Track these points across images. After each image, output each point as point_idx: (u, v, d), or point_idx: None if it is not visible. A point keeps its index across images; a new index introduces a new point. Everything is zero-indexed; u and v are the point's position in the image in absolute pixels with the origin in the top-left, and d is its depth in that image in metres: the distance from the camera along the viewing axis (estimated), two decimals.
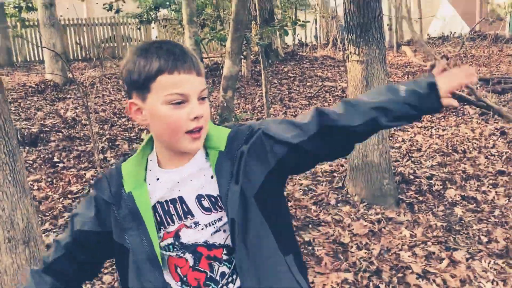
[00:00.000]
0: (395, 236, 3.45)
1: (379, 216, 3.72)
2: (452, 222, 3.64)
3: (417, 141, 5.70)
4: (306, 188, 4.29)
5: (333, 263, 3.12)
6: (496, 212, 3.76)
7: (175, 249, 1.19)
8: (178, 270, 1.20)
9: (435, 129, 6.19)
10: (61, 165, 4.78)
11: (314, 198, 4.10)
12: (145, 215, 1.16)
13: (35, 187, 4.29)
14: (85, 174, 4.57)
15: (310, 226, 3.65)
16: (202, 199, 1.17)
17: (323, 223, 3.69)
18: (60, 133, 5.55)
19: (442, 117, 6.80)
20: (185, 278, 1.19)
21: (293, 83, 9.15)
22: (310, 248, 3.32)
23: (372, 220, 3.67)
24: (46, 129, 5.66)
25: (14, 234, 2.53)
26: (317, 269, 3.06)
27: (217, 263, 1.18)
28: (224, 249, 1.18)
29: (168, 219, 1.18)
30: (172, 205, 1.18)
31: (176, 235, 1.18)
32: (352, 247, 3.31)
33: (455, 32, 16.99)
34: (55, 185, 4.35)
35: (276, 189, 1.21)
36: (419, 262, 3.11)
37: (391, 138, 5.63)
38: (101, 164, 4.38)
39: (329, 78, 9.58)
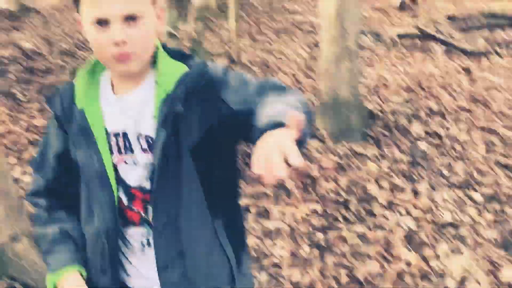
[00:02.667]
0: (362, 169, 3.56)
1: (347, 150, 3.81)
2: (416, 156, 3.78)
3: (384, 77, 5.76)
4: None
5: (302, 195, 3.22)
6: (458, 147, 3.91)
7: (118, 186, 1.12)
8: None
9: (402, 66, 6.26)
10: (22, 98, 4.61)
11: None
12: (97, 133, 1.10)
13: None
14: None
15: None
16: (141, 138, 1.10)
17: None
18: (19, 65, 5.30)
19: (409, 54, 6.86)
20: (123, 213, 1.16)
21: (261, 16, 8.94)
22: (279, 181, 3.40)
23: (340, 154, 3.76)
24: (4, 60, 5.38)
25: None
26: (287, 201, 3.15)
27: (151, 206, 1.12)
28: (152, 193, 1.12)
29: (111, 149, 1.11)
30: (116, 136, 1.11)
31: (116, 170, 1.11)
32: (320, 180, 3.41)
33: None
34: (17, 119, 4.20)
35: (219, 149, 1.10)
36: (384, 194, 3.24)
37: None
38: None
39: (298, 11, 9.39)
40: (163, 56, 1.11)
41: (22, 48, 5.83)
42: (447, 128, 4.26)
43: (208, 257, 1.14)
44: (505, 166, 3.58)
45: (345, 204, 3.13)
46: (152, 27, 1.05)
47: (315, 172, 3.48)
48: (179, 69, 1.08)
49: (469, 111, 4.58)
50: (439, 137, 4.11)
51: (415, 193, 3.25)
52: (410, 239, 2.79)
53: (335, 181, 3.40)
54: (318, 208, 3.07)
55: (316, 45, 7.26)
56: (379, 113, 4.52)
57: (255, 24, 8.42)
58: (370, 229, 2.90)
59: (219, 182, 1.13)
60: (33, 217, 1.27)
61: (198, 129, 1.05)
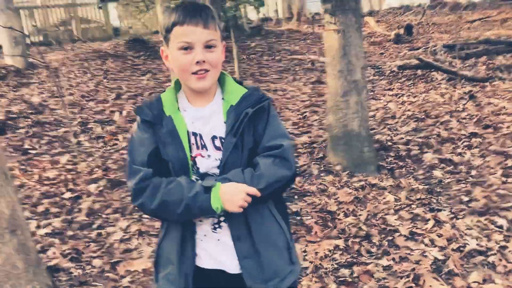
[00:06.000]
0: (380, 201, 3.51)
1: (362, 183, 3.78)
2: (433, 184, 3.73)
3: (390, 108, 5.79)
4: None
5: (323, 231, 3.16)
6: (473, 172, 3.87)
7: (193, 173, 1.44)
8: None
9: (406, 96, 6.30)
10: (33, 151, 4.62)
11: (297, 169, 4.12)
12: (182, 134, 1.43)
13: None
14: (59, 159, 4.43)
15: (296, 197, 3.68)
16: (216, 139, 1.44)
17: (308, 193, 3.72)
18: (29, 119, 5.35)
19: (412, 84, 6.92)
20: None
21: (262, 58, 9.09)
22: (298, 218, 3.35)
23: (356, 187, 3.72)
24: (13, 116, 5.44)
25: (0, 223, 2.44)
26: (309, 238, 3.09)
27: None
28: None
29: (192, 146, 1.44)
30: (193, 136, 1.45)
31: (194, 161, 1.45)
32: (339, 214, 3.36)
33: (414, 2, 17.22)
34: (29, 173, 4.20)
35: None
36: (406, 224, 3.18)
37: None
38: (76, 148, 4.25)
39: (297, 51, 9.56)
40: (229, 80, 1.50)
41: (31, 102, 5.91)
42: (461, 154, 4.24)
43: (268, 229, 1.47)
44: None
45: (367, 237, 3.07)
46: (220, 56, 1.44)
47: (333, 207, 3.44)
48: (241, 90, 1.48)
49: (480, 136, 4.57)
50: (454, 163, 4.08)
51: (437, 222, 3.19)
52: (438, 269, 2.71)
53: (355, 214, 3.35)
54: (340, 243, 3.01)
55: (319, 81, 7.35)
56: (391, 144, 4.51)
57: (257, 66, 8.55)
58: (395, 262, 2.83)
59: None
60: (147, 196, 1.41)
61: (250, 136, 1.44)
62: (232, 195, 1.36)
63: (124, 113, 5.67)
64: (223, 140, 1.43)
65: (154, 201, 1.40)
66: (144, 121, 1.46)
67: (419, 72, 7.45)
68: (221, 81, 1.51)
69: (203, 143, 1.45)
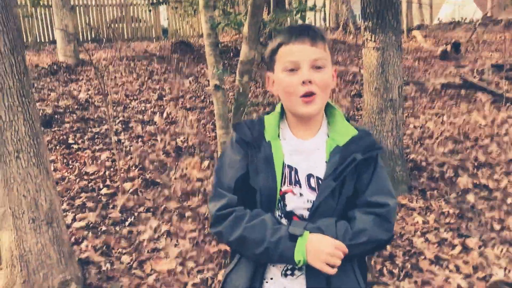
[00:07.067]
0: (408, 222, 3.49)
1: None
2: (464, 209, 3.67)
3: (428, 128, 5.70)
4: None
5: None
6: (509, 200, 3.78)
7: (278, 209, 1.31)
8: None
9: (447, 116, 6.18)
10: (75, 146, 4.84)
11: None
12: (277, 163, 1.30)
13: (51, 168, 4.35)
14: (100, 155, 4.62)
15: None
16: (311, 178, 1.30)
17: None
18: (74, 115, 5.60)
19: (454, 104, 6.78)
20: None
21: None
22: None
23: None
24: (60, 110, 5.70)
25: (38, 215, 2.60)
26: None
27: None
28: None
29: (284, 180, 1.31)
30: (288, 169, 1.31)
31: (283, 196, 1.31)
32: None
33: (466, 18, 16.78)
34: (70, 166, 4.41)
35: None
36: (431, 248, 3.15)
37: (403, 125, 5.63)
38: (116, 146, 4.42)
39: (339, 62, 9.53)
40: (338, 116, 1.36)
41: (78, 98, 6.18)
42: (497, 181, 4.14)
43: (347, 284, 1.30)
44: None
45: (391, 258, 3.06)
46: (330, 79, 1.31)
47: None
48: (351, 130, 1.33)
49: None
50: (489, 189, 3.99)
51: (465, 248, 3.14)
52: None
53: None
54: None
55: (359, 95, 7.31)
56: (425, 165, 4.46)
57: None
58: (417, 285, 2.81)
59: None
60: (227, 227, 1.30)
61: (354, 183, 1.30)
62: (320, 249, 1.19)
63: (165, 114, 5.84)
64: (320, 181, 1.29)
65: (234, 234, 1.28)
66: (241, 141, 1.35)
67: (462, 92, 7.29)
68: (328, 114, 1.38)
69: (297, 179, 1.30)
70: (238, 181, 1.32)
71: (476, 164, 4.48)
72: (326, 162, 1.30)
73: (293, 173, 1.30)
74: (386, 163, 3.99)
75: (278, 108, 1.38)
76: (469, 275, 2.88)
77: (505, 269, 2.92)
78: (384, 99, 3.91)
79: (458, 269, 2.94)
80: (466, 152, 4.77)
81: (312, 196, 1.29)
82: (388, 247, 3.14)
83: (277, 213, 1.32)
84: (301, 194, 1.29)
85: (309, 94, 1.25)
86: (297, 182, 1.30)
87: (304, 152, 1.32)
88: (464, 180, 4.14)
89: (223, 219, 1.30)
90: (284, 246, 1.21)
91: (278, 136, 1.34)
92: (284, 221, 1.31)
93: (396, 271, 2.93)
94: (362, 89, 7.39)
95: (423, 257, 3.07)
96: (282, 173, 1.30)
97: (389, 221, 1.29)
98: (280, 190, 1.29)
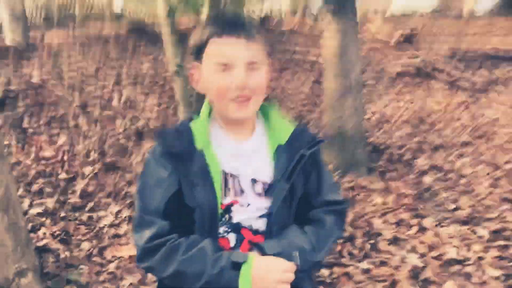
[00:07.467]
0: (368, 203, 3.57)
1: (352, 184, 3.84)
2: (422, 190, 3.80)
3: (386, 113, 5.84)
4: None
5: None
6: (462, 181, 3.94)
7: (222, 224, 1.17)
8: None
9: (403, 102, 6.35)
10: (31, 130, 4.67)
11: None
12: (214, 173, 1.14)
13: (6, 153, 4.17)
14: (57, 140, 4.48)
15: None
16: (255, 183, 1.18)
17: None
18: (28, 99, 5.38)
19: (409, 91, 6.96)
20: None
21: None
22: None
23: (346, 187, 3.78)
24: (12, 95, 5.47)
25: None
26: None
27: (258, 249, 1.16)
28: (266, 236, 1.19)
29: (226, 190, 1.17)
30: (229, 177, 1.17)
31: (228, 209, 1.17)
32: None
33: (421, 6, 17.16)
34: (26, 151, 4.25)
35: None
36: (390, 229, 3.25)
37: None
38: (74, 129, 4.30)
39: (299, 51, 9.57)
40: (273, 112, 1.24)
41: (31, 81, 5.94)
42: (452, 162, 4.30)
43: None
44: (511, 201, 3.60)
45: (351, 239, 3.14)
46: (266, 79, 1.18)
47: None
48: (288, 125, 1.23)
49: (472, 145, 4.63)
50: (444, 171, 4.14)
51: (421, 228, 3.25)
52: (415, 276, 2.78)
53: None
54: None
55: (317, 81, 7.38)
56: (384, 148, 4.57)
57: None
58: (375, 266, 2.90)
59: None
60: (160, 261, 1.12)
61: (304, 181, 1.22)
62: (266, 278, 1.07)
63: (123, 98, 5.71)
64: (266, 186, 1.18)
65: (168, 269, 1.10)
66: (167, 154, 1.15)
67: (417, 79, 7.50)
68: (263, 110, 1.24)
69: (241, 188, 1.17)
70: (169, 202, 1.14)
71: (432, 147, 4.63)
72: (271, 163, 1.19)
73: (236, 181, 1.17)
74: (347, 146, 4.06)
75: (205, 111, 1.20)
76: (424, 254, 2.98)
77: (458, 247, 3.04)
78: (344, 83, 3.96)
79: (414, 249, 3.04)
80: (422, 136, 4.93)
81: (260, 204, 1.18)
82: (349, 227, 3.21)
83: (222, 229, 1.17)
84: (248, 205, 1.18)
85: (243, 99, 1.12)
86: (242, 191, 1.17)
87: (243, 156, 1.19)
88: (421, 162, 4.28)
89: (154, 251, 1.12)
90: (228, 277, 1.08)
91: (211, 142, 1.18)
92: (232, 236, 1.18)
93: (356, 252, 3.00)
94: (321, 77, 7.47)
95: (381, 237, 3.16)
96: (225, 183, 1.16)
97: (345, 217, 1.29)
98: (222, 204, 1.15)
